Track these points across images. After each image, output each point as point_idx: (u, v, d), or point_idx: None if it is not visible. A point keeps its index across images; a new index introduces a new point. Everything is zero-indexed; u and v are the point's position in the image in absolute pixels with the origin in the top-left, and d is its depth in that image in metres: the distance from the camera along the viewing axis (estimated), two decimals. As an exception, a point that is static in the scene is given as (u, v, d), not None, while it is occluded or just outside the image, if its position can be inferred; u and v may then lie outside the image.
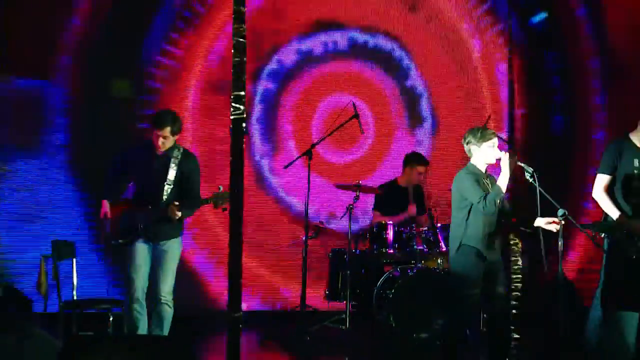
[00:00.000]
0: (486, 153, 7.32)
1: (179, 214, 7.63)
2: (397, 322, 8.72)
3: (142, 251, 7.85)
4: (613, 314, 7.91)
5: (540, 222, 7.41)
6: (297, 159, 9.69)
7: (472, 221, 7.27)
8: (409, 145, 11.40)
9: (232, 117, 4.88)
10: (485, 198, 7.14)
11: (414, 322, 8.77)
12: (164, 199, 7.76)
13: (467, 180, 7.31)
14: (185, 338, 6.93)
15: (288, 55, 11.09)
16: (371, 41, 11.82)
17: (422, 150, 10.47)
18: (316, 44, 11.29)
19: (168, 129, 7.75)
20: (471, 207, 7.24)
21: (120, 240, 7.87)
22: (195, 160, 8.10)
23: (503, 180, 7.23)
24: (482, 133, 7.38)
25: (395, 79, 11.78)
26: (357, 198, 9.53)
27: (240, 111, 4.92)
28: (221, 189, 7.87)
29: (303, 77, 11.27)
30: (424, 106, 11.67)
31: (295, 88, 11.26)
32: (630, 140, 7.75)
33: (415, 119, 11.60)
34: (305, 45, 11.22)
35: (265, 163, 11.03)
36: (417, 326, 8.76)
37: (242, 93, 4.53)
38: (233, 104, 4.82)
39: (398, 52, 11.91)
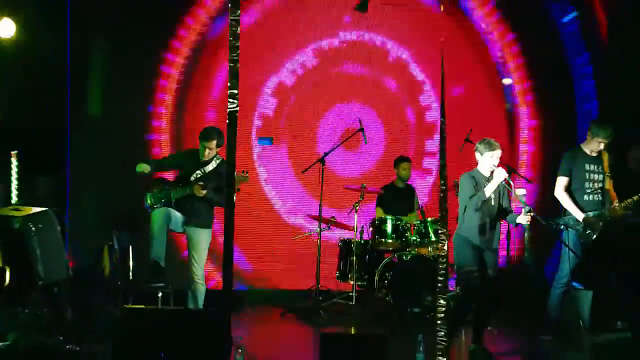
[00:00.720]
0: (486, 161, 7.36)
1: (204, 192, 7.75)
2: (395, 299, 8.85)
3: (168, 215, 7.96)
4: (571, 292, 8.05)
5: (521, 219, 7.43)
6: (312, 165, 9.55)
7: (467, 215, 7.35)
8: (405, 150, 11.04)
9: (228, 110, 4.98)
10: (471, 198, 7.26)
11: (408, 299, 8.85)
12: (192, 179, 7.89)
13: (465, 181, 7.39)
14: (216, 310, 7.22)
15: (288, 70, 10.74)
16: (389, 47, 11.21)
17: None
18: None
19: (214, 142, 7.93)
20: (467, 203, 7.36)
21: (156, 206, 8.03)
22: (223, 161, 8.14)
23: (489, 188, 7.26)
24: (487, 144, 7.43)
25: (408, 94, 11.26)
26: (362, 197, 9.51)
27: (235, 105, 5.03)
28: (244, 173, 8.08)
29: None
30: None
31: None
32: (582, 150, 8.03)
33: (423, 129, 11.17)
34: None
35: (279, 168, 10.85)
36: (411, 302, 8.83)
37: (236, 91, 4.61)
38: (229, 100, 4.92)
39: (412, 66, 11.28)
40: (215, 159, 8.10)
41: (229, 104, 5.07)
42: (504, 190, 7.48)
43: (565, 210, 8.11)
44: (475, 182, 7.37)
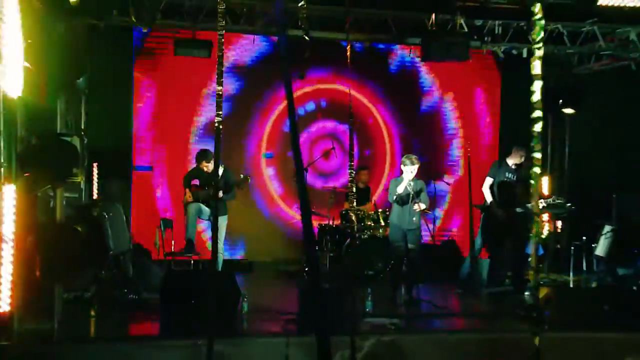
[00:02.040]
0: (407, 170, 7.42)
1: (220, 194, 7.63)
2: (355, 265, 8.79)
3: (199, 208, 8.05)
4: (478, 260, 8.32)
5: (415, 207, 7.46)
6: (297, 171, 9.49)
7: (394, 207, 7.58)
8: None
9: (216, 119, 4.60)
10: (391, 194, 7.46)
11: (365, 265, 8.86)
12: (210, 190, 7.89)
13: (391, 184, 7.61)
14: (229, 272, 7.54)
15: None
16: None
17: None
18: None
19: (211, 159, 7.93)
20: (398, 198, 7.46)
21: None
22: (229, 171, 8.21)
23: (400, 187, 7.36)
24: (409, 159, 7.43)
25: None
26: (334, 193, 9.50)
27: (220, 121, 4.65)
28: (244, 177, 8.17)
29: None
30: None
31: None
32: (506, 161, 8.13)
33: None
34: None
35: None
36: (366, 267, 8.86)
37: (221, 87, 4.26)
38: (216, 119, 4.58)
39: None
40: (220, 167, 7.80)
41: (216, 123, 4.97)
42: (420, 187, 7.51)
43: (486, 201, 8.19)
44: (397, 185, 7.45)
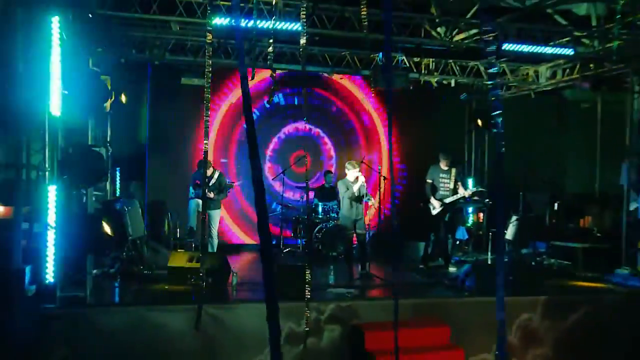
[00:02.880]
0: (350, 173, 7.39)
1: (211, 194, 7.67)
2: (323, 248, 8.91)
3: (198, 203, 7.85)
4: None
5: (371, 203, 7.62)
6: (277, 176, 9.26)
7: (344, 202, 7.47)
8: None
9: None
10: (347, 193, 7.31)
11: (329, 248, 8.88)
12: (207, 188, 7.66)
13: (340, 184, 7.53)
14: (222, 254, 7.39)
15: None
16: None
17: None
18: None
19: (209, 167, 7.84)
20: (344, 196, 7.41)
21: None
22: (222, 175, 8.11)
23: (355, 189, 7.30)
24: (351, 164, 7.42)
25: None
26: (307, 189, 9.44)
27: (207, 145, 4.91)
28: (231, 183, 8.14)
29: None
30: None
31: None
32: (439, 165, 8.04)
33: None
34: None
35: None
36: (330, 249, 8.88)
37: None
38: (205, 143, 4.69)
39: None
40: (215, 172, 8.01)
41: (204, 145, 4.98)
42: (364, 188, 7.44)
43: (428, 198, 8.11)
44: (345, 184, 7.41)
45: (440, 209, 8.05)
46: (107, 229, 6.80)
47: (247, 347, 5.56)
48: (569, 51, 7.88)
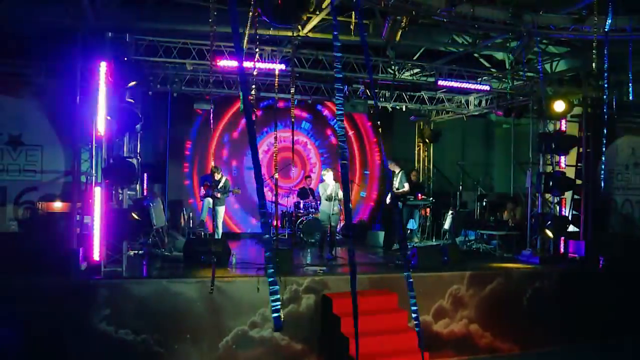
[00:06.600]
0: (328, 176, 7.44)
1: (218, 195, 7.81)
2: (305, 236, 8.94)
3: (209, 201, 7.94)
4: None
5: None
6: (272, 176, 8.79)
7: (322, 200, 7.50)
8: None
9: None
10: (323, 194, 7.34)
11: (309, 236, 8.91)
12: (215, 190, 7.89)
13: (320, 186, 7.54)
14: (224, 239, 7.44)
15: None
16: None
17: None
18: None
19: (218, 173, 8.10)
20: (322, 196, 7.44)
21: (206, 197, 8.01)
22: (228, 181, 8.18)
23: (329, 190, 7.30)
24: (325, 171, 7.51)
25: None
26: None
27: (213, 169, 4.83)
28: (234, 189, 8.05)
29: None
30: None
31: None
32: (393, 170, 8.26)
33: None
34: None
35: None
36: (310, 237, 8.89)
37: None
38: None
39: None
40: (222, 178, 8.17)
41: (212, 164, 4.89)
42: (338, 188, 7.41)
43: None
44: (324, 187, 7.46)
45: (389, 201, 8.24)
46: (137, 220, 6.68)
47: (243, 310, 5.75)
48: (486, 87, 8.47)
